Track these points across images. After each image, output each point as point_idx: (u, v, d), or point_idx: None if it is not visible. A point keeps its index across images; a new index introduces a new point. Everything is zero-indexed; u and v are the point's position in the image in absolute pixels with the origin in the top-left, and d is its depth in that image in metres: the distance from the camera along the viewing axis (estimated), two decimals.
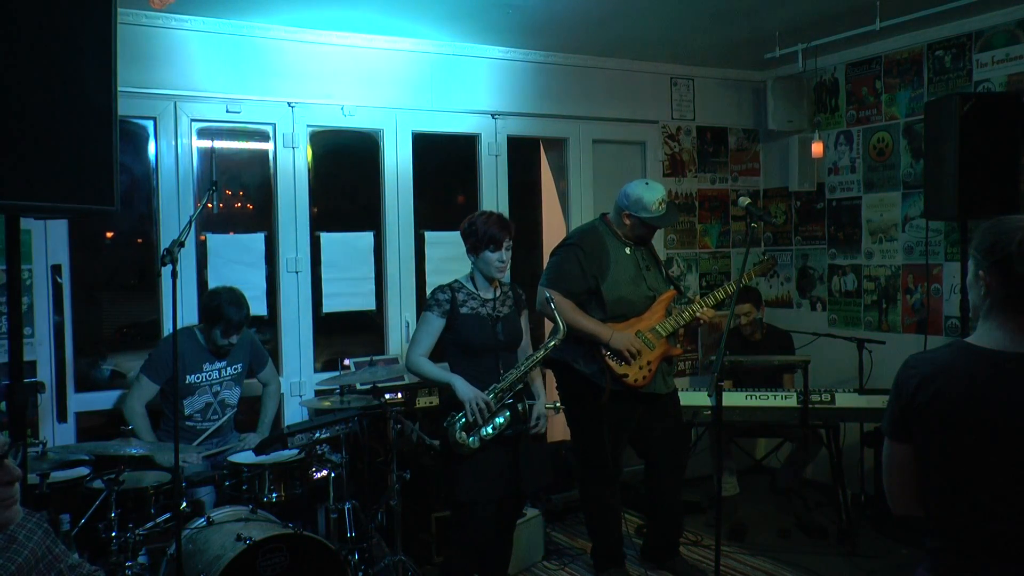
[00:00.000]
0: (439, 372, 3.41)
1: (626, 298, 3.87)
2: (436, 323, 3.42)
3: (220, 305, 3.86)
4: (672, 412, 4.05)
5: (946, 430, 1.77)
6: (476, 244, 3.42)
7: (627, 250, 3.96)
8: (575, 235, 4.05)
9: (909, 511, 1.89)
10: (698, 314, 3.94)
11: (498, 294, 3.51)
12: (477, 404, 3.29)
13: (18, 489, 1.69)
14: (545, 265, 4.05)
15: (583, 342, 3.80)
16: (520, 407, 3.38)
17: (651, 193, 3.86)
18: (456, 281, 3.50)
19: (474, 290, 3.46)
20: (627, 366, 3.80)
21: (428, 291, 3.71)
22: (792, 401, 4.45)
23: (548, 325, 3.54)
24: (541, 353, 3.41)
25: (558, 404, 3.58)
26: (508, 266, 3.44)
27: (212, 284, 4.25)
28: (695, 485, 5.02)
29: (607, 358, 3.78)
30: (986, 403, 1.74)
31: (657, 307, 3.93)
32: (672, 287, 4.05)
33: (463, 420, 3.31)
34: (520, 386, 3.41)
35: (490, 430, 3.32)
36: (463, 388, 3.32)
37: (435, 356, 3.48)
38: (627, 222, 3.92)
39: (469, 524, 3.40)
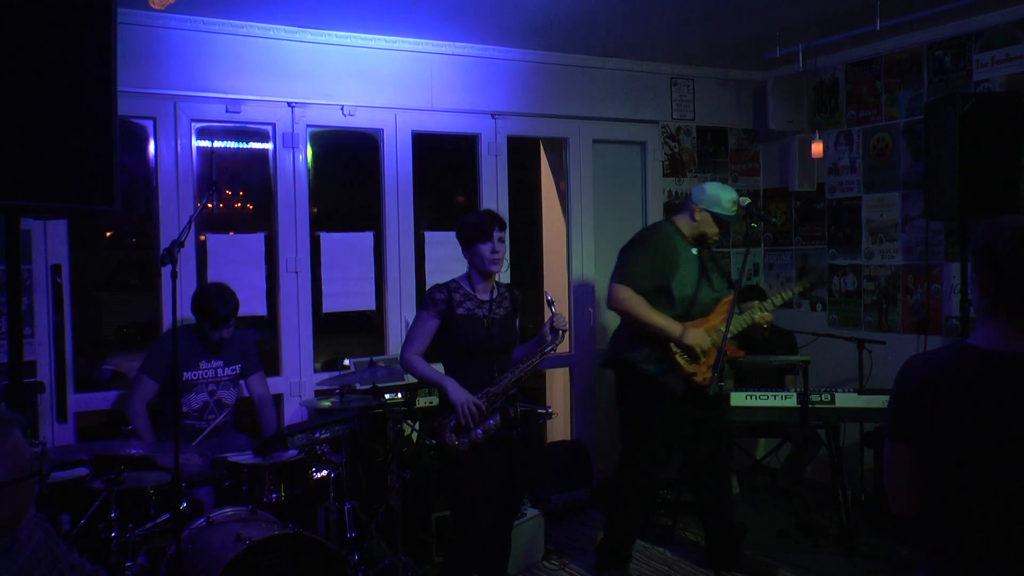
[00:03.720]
0: (431, 373, 3.39)
1: (694, 297, 3.92)
2: (431, 323, 3.39)
3: (207, 300, 3.91)
4: (718, 414, 4.06)
5: (947, 431, 1.77)
6: (468, 238, 3.39)
7: (693, 251, 4.02)
8: (645, 233, 4.12)
9: (909, 511, 1.89)
10: (756, 317, 3.99)
11: (495, 295, 3.46)
12: (468, 407, 3.28)
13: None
14: (616, 263, 4.03)
15: (650, 341, 3.84)
16: (512, 411, 3.35)
17: (727, 192, 3.98)
18: (453, 281, 3.45)
19: (471, 291, 3.42)
20: (696, 364, 3.82)
21: None
22: (792, 401, 4.45)
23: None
24: (537, 359, 3.40)
25: (551, 409, 3.57)
26: (503, 260, 3.40)
27: None
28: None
29: (677, 356, 3.81)
30: (986, 404, 1.74)
31: (720, 309, 3.96)
32: (733, 291, 4.07)
33: (454, 423, 3.31)
34: (514, 390, 3.40)
35: (480, 433, 3.32)
36: (455, 391, 3.30)
37: (433, 354, 3.48)
38: (698, 216, 3.97)
39: (468, 524, 3.39)
